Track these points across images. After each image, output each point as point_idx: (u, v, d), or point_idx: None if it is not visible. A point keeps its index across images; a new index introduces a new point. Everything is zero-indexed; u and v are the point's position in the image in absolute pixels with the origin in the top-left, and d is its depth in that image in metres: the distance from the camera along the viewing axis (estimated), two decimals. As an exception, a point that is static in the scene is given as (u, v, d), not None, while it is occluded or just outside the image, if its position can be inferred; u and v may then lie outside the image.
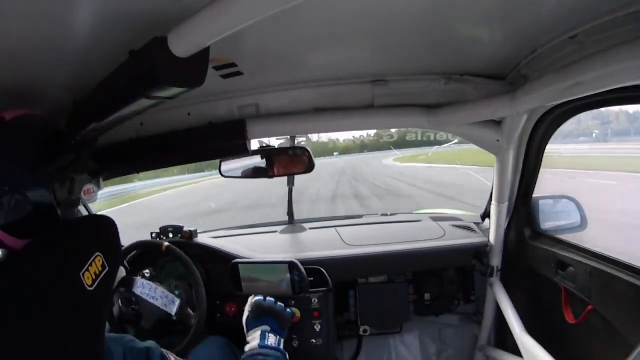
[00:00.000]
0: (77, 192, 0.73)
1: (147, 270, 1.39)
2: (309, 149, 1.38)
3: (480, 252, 1.52)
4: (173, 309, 1.29)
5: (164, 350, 0.90)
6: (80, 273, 0.62)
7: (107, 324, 1.32)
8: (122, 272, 1.42)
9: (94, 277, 0.64)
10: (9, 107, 0.66)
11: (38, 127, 0.71)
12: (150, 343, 0.87)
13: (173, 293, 1.32)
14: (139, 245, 1.44)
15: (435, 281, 1.61)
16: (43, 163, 0.67)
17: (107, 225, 0.74)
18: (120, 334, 0.95)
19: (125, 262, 1.36)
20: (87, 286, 0.62)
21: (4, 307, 0.55)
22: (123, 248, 1.34)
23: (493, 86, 1.06)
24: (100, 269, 0.66)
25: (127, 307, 1.34)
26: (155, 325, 1.34)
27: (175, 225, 1.55)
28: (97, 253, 0.66)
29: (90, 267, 0.64)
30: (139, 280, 1.32)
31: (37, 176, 0.66)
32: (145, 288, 1.30)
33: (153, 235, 1.57)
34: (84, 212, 1.36)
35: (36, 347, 0.56)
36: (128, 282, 1.32)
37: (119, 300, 1.35)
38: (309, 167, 1.38)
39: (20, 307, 0.56)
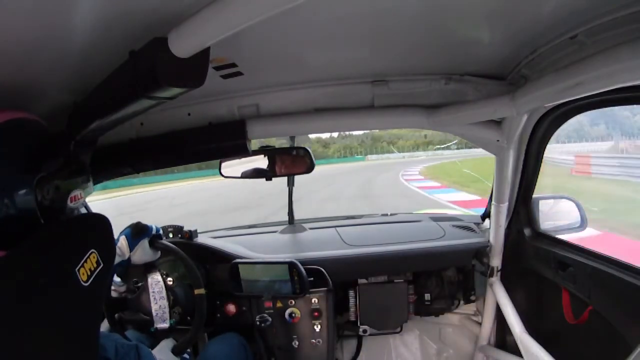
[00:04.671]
0: (63, 199, 0.72)
1: (170, 278, 1.38)
2: (309, 149, 1.38)
3: (480, 252, 1.52)
4: (157, 325, 1.27)
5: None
6: (76, 269, 0.63)
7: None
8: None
9: (89, 273, 0.65)
10: (8, 107, 0.66)
11: (29, 131, 0.68)
12: (136, 341, 0.90)
13: (170, 317, 1.30)
14: (184, 262, 1.33)
15: (436, 281, 1.61)
16: (31, 169, 0.65)
17: (102, 224, 0.75)
18: (108, 332, 0.96)
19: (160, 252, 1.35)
20: (82, 282, 0.63)
21: (2, 302, 0.55)
22: (173, 245, 1.32)
23: (493, 86, 1.06)
24: (95, 265, 0.67)
25: (131, 285, 1.36)
26: (132, 319, 1.34)
27: (176, 226, 1.55)
28: (92, 250, 0.67)
29: (85, 264, 0.65)
30: (159, 277, 1.32)
31: (23, 183, 0.63)
32: (157, 287, 1.30)
33: None
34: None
35: (33, 341, 0.57)
36: (151, 269, 1.32)
37: (130, 276, 1.36)
38: (309, 167, 1.39)
39: (18, 302, 0.57)
